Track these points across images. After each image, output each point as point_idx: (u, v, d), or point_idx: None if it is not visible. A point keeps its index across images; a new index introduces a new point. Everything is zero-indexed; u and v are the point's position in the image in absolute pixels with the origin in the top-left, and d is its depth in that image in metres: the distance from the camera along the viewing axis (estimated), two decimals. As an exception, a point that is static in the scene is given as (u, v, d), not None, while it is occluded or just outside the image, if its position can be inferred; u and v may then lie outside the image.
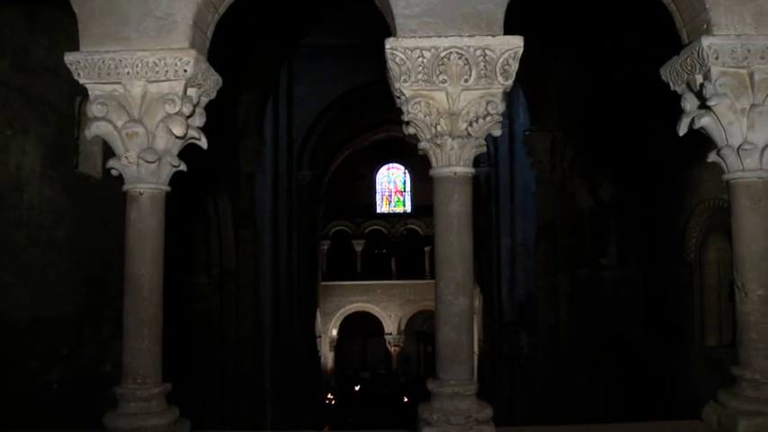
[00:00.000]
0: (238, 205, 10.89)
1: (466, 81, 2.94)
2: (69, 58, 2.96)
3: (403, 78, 2.97)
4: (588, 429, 4.31)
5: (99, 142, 4.63)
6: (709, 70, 2.91)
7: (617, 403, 9.34)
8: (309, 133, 15.47)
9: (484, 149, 3.13)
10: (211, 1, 3.14)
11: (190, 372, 9.22)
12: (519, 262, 14.44)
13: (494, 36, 2.94)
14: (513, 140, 14.54)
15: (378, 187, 30.26)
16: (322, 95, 15.09)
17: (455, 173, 3.01)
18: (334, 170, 24.25)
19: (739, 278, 3.00)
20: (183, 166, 3.10)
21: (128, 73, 2.93)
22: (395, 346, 28.02)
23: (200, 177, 8.20)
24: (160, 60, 2.92)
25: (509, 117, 14.22)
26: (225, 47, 3.86)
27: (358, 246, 28.23)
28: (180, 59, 2.93)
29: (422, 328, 27.70)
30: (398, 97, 3.09)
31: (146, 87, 2.96)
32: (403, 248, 28.12)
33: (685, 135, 3.13)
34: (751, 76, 2.92)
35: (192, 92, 3.04)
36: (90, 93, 3.00)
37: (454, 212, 3.00)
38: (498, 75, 2.94)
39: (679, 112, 3.16)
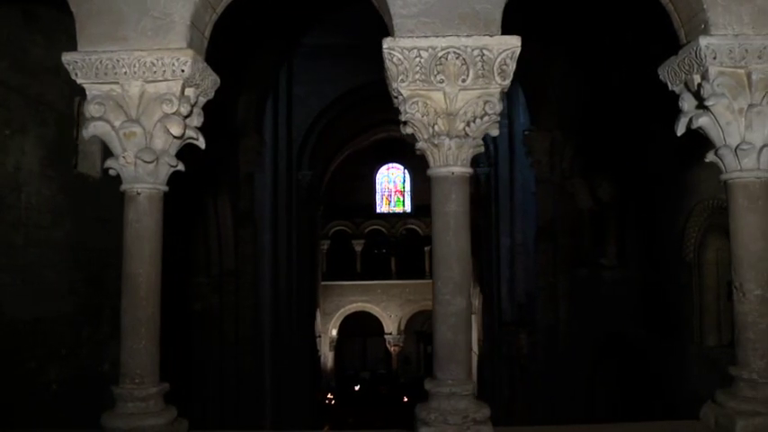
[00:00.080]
0: (238, 205, 10.90)
1: (463, 81, 2.94)
2: (67, 57, 2.96)
3: (400, 78, 2.96)
4: (588, 429, 4.30)
5: (97, 142, 4.63)
6: (706, 70, 2.90)
7: (617, 403, 9.35)
8: (309, 133, 15.44)
9: (482, 149, 3.13)
10: (209, 1, 3.14)
11: (189, 371, 9.22)
12: (518, 262, 14.44)
13: (491, 36, 2.94)
14: (513, 140, 14.53)
15: (377, 187, 30.28)
16: (322, 95, 15.05)
17: (453, 173, 3.00)
18: (334, 170, 24.24)
19: (737, 278, 2.98)
20: (180, 166, 3.09)
21: (125, 73, 2.93)
22: (395, 345, 28.04)
23: (199, 177, 8.21)
24: (158, 60, 2.92)
25: (509, 117, 14.23)
26: (224, 46, 3.86)
27: (358, 246, 28.24)
28: (177, 59, 2.93)
29: (422, 328, 27.69)
30: (396, 97, 3.08)
31: (143, 87, 2.96)
32: (403, 248, 28.13)
33: (684, 135, 3.12)
34: (749, 75, 2.91)
35: (189, 92, 3.04)
36: (87, 93, 3.00)
37: (452, 212, 3.00)
38: (496, 75, 2.94)
39: (678, 111, 3.15)
